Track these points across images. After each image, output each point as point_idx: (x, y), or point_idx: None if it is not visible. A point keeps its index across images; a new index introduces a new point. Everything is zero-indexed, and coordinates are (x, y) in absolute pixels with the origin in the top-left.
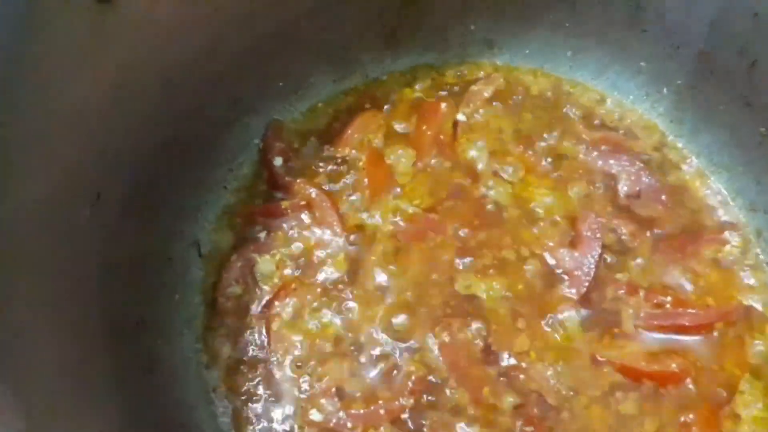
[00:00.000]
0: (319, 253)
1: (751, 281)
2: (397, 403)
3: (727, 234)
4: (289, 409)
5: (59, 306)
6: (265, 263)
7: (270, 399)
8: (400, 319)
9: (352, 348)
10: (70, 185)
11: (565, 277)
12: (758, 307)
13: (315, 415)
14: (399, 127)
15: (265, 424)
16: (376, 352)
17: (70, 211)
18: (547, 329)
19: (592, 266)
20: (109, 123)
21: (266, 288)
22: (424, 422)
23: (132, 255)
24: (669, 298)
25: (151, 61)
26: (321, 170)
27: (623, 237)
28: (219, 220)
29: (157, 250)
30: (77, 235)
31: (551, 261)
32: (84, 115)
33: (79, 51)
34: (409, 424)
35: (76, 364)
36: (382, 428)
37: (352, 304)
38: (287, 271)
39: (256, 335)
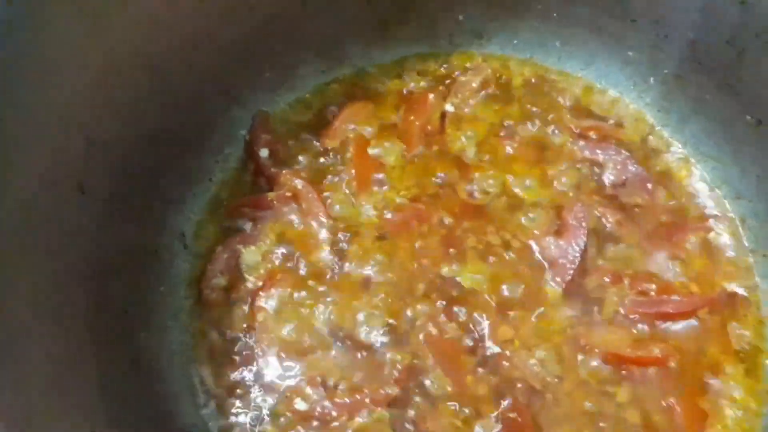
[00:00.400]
0: (305, 244)
1: (736, 268)
2: (382, 391)
3: (712, 222)
4: (274, 399)
5: (46, 302)
6: (250, 255)
7: (255, 389)
8: (385, 309)
9: (338, 337)
10: (56, 177)
11: (551, 266)
12: (742, 293)
13: (300, 404)
14: (387, 118)
15: (250, 413)
16: (362, 341)
17: (55, 204)
18: (532, 317)
19: (578, 254)
20: (95, 113)
21: (252, 279)
22: (409, 411)
23: (118, 247)
24: (654, 286)
25: (137, 51)
26: (308, 162)
27: (609, 225)
28: (205, 212)
29: (142, 243)
30: (63, 227)
31: (537, 249)
32: (70, 105)
33: (65, 39)
34: (395, 412)
35: (63, 360)
36: (367, 417)
37: (337, 294)
38: (273, 263)
39: (242, 326)
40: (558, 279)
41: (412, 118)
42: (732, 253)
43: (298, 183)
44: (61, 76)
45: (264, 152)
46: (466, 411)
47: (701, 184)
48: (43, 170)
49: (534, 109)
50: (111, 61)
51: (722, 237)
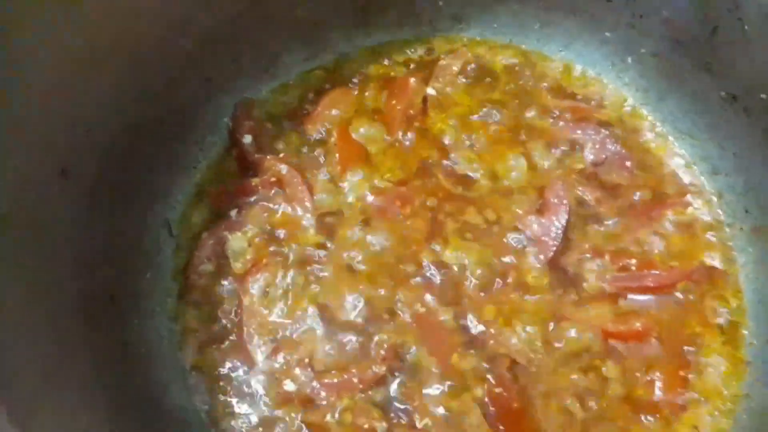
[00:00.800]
0: (291, 229)
1: (713, 242)
2: (369, 371)
3: (690, 197)
4: (263, 381)
5: (36, 293)
6: (236, 240)
7: (244, 373)
8: (371, 291)
9: (325, 319)
10: (38, 161)
11: (534, 243)
12: (719, 266)
13: (289, 386)
14: (369, 103)
15: (240, 397)
16: (348, 322)
17: (39, 191)
18: (516, 295)
19: (560, 232)
20: (76, 98)
21: (238, 265)
22: (396, 389)
23: (103, 235)
24: (634, 261)
25: (117, 37)
26: (291, 147)
27: (589, 203)
28: (190, 198)
29: (128, 230)
30: (47, 215)
31: (520, 228)
32: (51, 89)
33: (46, 23)
34: (383, 391)
35: (56, 349)
36: (355, 396)
37: (323, 277)
38: (259, 248)
39: (229, 311)
40: (541, 256)
41: (394, 102)
42: (710, 227)
43: (283, 168)
44: (40, 62)
45: (247, 139)
46: (453, 388)
47: (679, 160)
48: (26, 157)
49: (514, 90)
50: (91, 47)
51: (700, 212)
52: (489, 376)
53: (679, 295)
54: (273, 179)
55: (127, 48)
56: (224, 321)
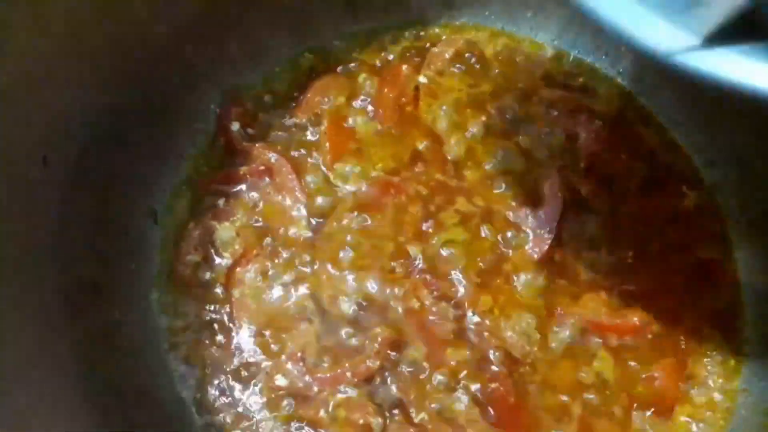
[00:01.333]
0: (280, 219)
1: (710, 234)
2: (363, 365)
3: (685, 189)
4: (253, 376)
5: (15, 281)
6: (224, 230)
7: (233, 366)
8: (364, 282)
9: (317, 312)
10: (16, 148)
11: (528, 236)
12: (717, 259)
13: (280, 380)
14: (360, 90)
15: (230, 391)
16: (341, 315)
17: (17, 176)
18: (511, 287)
19: (554, 224)
20: (56, 82)
21: (226, 255)
22: (390, 384)
23: (86, 224)
24: (630, 254)
25: (99, 17)
26: (280, 135)
27: (584, 195)
28: (176, 188)
29: (112, 219)
30: (27, 200)
31: (514, 220)
32: (28, 72)
33: (23, 3)
34: (377, 386)
35: (37, 340)
36: (348, 391)
37: (314, 268)
38: (248, 238)
39: (217, 303)
40: (536, 249)
41: (386, 90)
42: (706, 220)
43: (272, 157)
44: (19, 41)
45: (235, 126)
46: (448, 382)
47: (675, 151)
48: (3, 145)
49: (507, 79)
50: (70, 27)
51: (696, 204)
52: (484, 371)
53: (675, 288)
54: (262, 168)
55: (108, 30)
56: (213, 313)
